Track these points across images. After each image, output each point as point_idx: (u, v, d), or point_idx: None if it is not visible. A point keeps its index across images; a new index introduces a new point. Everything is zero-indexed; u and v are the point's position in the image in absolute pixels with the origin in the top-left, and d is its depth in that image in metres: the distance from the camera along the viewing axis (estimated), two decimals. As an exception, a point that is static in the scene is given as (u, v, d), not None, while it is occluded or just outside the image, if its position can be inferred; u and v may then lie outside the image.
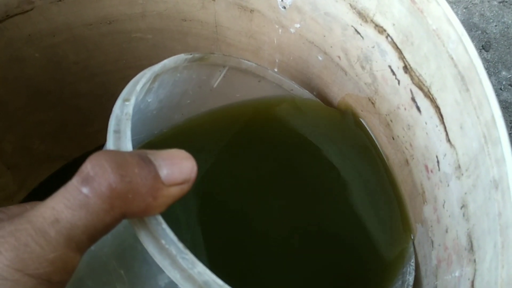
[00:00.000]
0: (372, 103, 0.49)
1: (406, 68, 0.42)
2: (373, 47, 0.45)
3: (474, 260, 0.34)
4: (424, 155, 0.43)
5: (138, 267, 0.31)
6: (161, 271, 0.27)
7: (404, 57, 0.41)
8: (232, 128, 0.50)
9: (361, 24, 0.44)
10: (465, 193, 0.36)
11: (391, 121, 0.47)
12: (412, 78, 0.41)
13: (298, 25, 0.51)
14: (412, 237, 0.48)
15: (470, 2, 0.99)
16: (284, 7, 0.50)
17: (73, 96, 0.62)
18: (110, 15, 0.55)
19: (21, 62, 0.54)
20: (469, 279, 0.34)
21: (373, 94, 0.48)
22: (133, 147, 0.31)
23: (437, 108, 0.39)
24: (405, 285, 0.45)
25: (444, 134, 0.39)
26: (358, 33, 0.45)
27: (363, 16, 0.44)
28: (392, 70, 0.44)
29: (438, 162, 0.41)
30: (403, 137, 0.46)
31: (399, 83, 0.43)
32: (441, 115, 0.39)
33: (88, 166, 0.25)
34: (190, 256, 0.27)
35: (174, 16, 0.56)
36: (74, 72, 0.59)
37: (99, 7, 0.54)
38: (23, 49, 0.53)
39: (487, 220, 0.33)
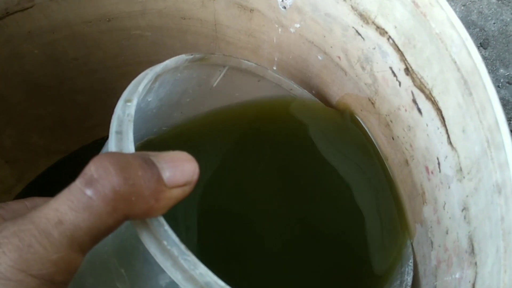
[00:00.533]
0: (372, 103, 0.49)
1: (408, 70, 0.42)
2: (374, 48, 0.45)
3: (475, 263, 0.34)
4: (424, 156, 0.43)
5: (139, 266, 0.31)
6: (162, 271, 0.27)
7: (405, 59, 0.41)
8: (232, 130, 0.50)
9: (362, 26, 0.44)
10: (467, 196, 0.36)
11: (391, 121, 0.47)
12: (413, 80, 0.41)
13: (298, 25, 0.51)
14: (411, 238, 0.48)
15: (469, -1, 0.99)
16: (284, 7, 0.50)
17: (72, 92, 0.62)
18: (109, 13, 0.55)
19: (20, 58, 0.54)
20: (470, 282, 0.35)
21: (373, 95, 0.48)
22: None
23: (438, 111, 0.39)
24: (403, 285, 0.45)
25: (445, 136, 0.39)
26: (359, 34, 0.45)
27: (364, 18, 0.44)
28: (393, 72, 0.44)
29: (439, 164, 0.41)
30: (403, 137, 0.46)
31: (400, 84, 0.43)
32: (443, 118, 0.39)
33: (92, 168, 0.26)
34: (192, 258, 0.27)
35: (173, 14, 0.56)
36: (73, 68, 0.59)
37: (99, 4, 0.53)
38: (23, 45, 0.53)
39: (489, 224, 0.33)
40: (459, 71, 0.35)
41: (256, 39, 0.56)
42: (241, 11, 0.53)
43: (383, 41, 0.43)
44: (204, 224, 0.43)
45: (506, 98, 0.89)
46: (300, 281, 0.44)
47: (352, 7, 0.44)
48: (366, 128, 0.53)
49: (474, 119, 0.34)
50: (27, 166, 0.66)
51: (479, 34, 0.94)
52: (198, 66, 0.44)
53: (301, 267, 0.45)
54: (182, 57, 0.41)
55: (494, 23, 0.96)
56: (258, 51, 0.58)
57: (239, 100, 0.51)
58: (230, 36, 0.58)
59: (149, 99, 0.42)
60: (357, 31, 0.45)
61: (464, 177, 0.37)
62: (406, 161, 0.47)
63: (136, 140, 0.41)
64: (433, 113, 0.40)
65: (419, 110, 0.42)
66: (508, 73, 0.91)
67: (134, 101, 0.34)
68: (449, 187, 0.39)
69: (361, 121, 0.53)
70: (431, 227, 0.43)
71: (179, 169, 0.28)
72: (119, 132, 0.31)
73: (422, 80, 0.40)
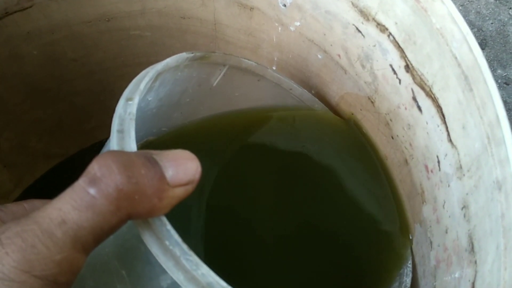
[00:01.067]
0: (372, 102, 0.49)
1: (408, 67, 0.41)
2: (374, 45, 0.44)
3: (475, 262, 0.34)
4: (424, 155, 0.43)
5: (141, 267, 0.31)
6: (163, 272, 0.27)
7: (406, 56, 0.41)
8: (232, 133, 0.50)
9: (362, 23, 0.44)
10: (467, 194, 0.36)
11: (390, 120, 0.47)
12: (413, 78, 0.41)
13: (298, 23, 0.51)
14: (410, 238, 0.48)
15: None
16: (285, 5, 0.50)
17: (71, 94, 0.62)
18: (109, 12, 0.55)
19: (19, 59, 0.53)
20: (469, 281, 0.34)
21: (373, 93, 0.48)
22: None
23: (438, 108, 0.39)
24: (402, 287, 0.45)
25: (445, 134, 0.38)
26: (359, 31, 0.45)
27: (364, 14, 0.43)
28: (393, 69, 0.44)
29: (438, 162, 0.40)
30: (403, 136, 0.46)
31: (400, 82, 0.43)
32: (443, 115, 0.38)
33: (95, 167, 0.25)
34: (194, 258, 0.27)
35: (173, 13, 0.56)
36: (72, 69, 0.59)
37: (98, 4, 0.53)
38: (22, 46, 0.53)
39: (489, 221, 0.33)
40: (460, 67, 0.35)
41: (255, 38, 0.56)
42: (241, 10, 0.53)
43: (383, 38, 0.43)
44: (203, 225, 0.42)
45: (504, 99, 0.88)
46: (301, 281, 0.44)
47: (352, 4, 0.44)
48: (366, 132, 0.52)
49: (474, 115, 0.34)
50: (25, 170, 0.66)
51: (476, 35, 0.94)
52: (198, 65, 0.44)
53: (301, 268, 0.45)
54: (183, 55, 0.41)
55: (491, 23, 0.96)
56: (257, 51, 0.58)
57: (239, 100, 0.51)
58: (230, 36, 0.58)
59: (149, 99, 0.42)
60: (357, 28, 0.45)
61: (464, 175, 0.36)
62: (406, 160, 0.46)
63: (135, 141, 0.41)
64: (433, 110, 0.40)
65: (419, 108, 0.42)
66: (505, 74, 0.90)
67: (136, 99, 0.34)
68: (448, 186, 0.39)
69: (362, 126, 0.53)
70: (430, 226, 0.43)
71: (182, 167, 0.28)
72: (120, 131, 0.31)
73: (422, 77, 0.40)
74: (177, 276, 0.27)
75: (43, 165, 0.68)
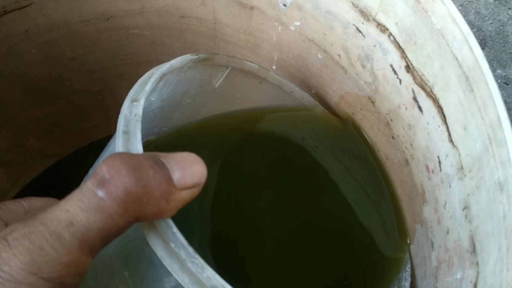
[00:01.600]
0: (372, 102, 0.49)
1: (409, 68, 0.41)
2: (375, 46, 0.44)
3: (477, 263, 0.34)
4: (425, 155, 0.43)
5: (144, 269, 0.30)
6: (167, 274, 0.27)
7: (406, 56, 0.41)
8: (232, 133, 0.50)
9: (363, 23, 0.44)
10: (468, 195, 0.36)
11: (391, 120, 0.47)
12: (414, 78, 0.41)
13: (298, 23, 0.51)
14: (409, 243, 0.48)
15: None
16: (285, 5, 0.50)
17: (69, 92, 0.62)
18: (108, 11, 0.54)
19: (17, 58, 0.53)
20: (471, 282, 0.34)
21: (373, 93, 0.48)
22: None
23: (439, 108, 0.39)
24: None
25: (446, 134, 0.38)
26: (360, 31, 0.45)
27: (365, 14, 0.43)
28: (393, 69, 0.43)
29: (439, 162, 0.40)
30: (403, 136, 0.46)
31: (400, 82, 0.43)
32: (444, 115, 0.38)
33: (104, 169, 0.25)
34: (200, 261, 0.27)
35: (172, 12, 0.56)
36: (71, 68, 0.59)
37: (97, 3, 0.53)
38: (20, 44, 0.52)
39: (491, 222, 0.32)
40: (461, 68, 0.35)
41: (255, 38, 0.56)
42: (241, 9, 0.53)
43: (383, 38, 0.43)
44: (204, 225, 0.42)
45: (503, 99, 0.88)
46: (303, 285, 0.44)
47: (353, 4, 0.44)
48: (366, 136, 0.52)
49: (475, 116, 0.34)
50: (22, 169, 0.66)
51: (476, 35, 0.93)
52: (201, 66, 0.45)
53: (303, 271, 0.44)
54: (188, 56, 0.41)
55: (491, 23, 0.96)
56: (257, 50, 0.58)
57: (240, 101, 0.51)
58: (230, 35, 0.57)
59: (152, 99, 0.42)
60: (357, 29, 0.45)
61: (465, 176, 0.36)
62: (406, 161, 0.46)
63: None
64: (434, 111, 0.40)
65: (420, 108, 0.42)
66: (505, 74, 0.90)
67: (142, 101, 0.34)
68: (450, 186, 0.39)
69: (362, 128, 0.53)
70: (431, 227, 0.43)
71: (189, 170, 0.28)
72: (126, 132, 0.31)
73: (423, 77, 0.40)
74: (182, 278, 0.27)
75: (40, 164, 0.68)
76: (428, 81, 0.39)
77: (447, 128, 0.38)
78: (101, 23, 0.55)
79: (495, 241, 0.32)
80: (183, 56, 0.41)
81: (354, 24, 0.45)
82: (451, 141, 0.38)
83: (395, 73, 0.43)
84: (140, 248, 0.30)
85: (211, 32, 0.58)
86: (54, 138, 0.66)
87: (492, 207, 0.32)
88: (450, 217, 0.39)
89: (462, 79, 0.35)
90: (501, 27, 0.96)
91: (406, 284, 0.46)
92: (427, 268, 0.44)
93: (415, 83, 0.41)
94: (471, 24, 0.95)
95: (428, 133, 0.41)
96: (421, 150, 0.43)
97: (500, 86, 0.89)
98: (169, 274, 0.27)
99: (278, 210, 0.47)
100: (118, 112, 0.33)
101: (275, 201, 0.47)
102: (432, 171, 0.42)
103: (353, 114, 0.53)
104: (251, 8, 0.52)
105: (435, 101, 0.39)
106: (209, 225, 0.42)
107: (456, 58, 0.35)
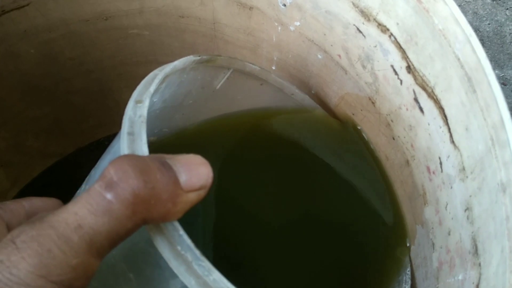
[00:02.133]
0: (373, 102, 0.48)
1: (410, 68, 0.41)
2: (375, 46, 0.44)
3: (479, 264, 0.34)
4: (426, 156, 0.43)
5: (150, 271, 0.30)
6: (173, 276, 0.27)
7: (407, 57, 0.41)
8: (232, 134, 0.50)
9: (363, 23, 0.44)
10: (470, 196, 0.36)
11: (392, 121, 0.47)
12: (415, 78, 0.41)
13: (298, 23, 0.50)
14: (408, 245, 0.48)
15: (464, 0, 0.99)
16: (284, 5, 0.49)
17: (68, 92, 0.62)
18: (107, 11, 0.54)
19: (16, 58, 0.53)
20: (473, 283, 0.34)
21: (373, 94, 0.48)
22: None
23: (441, 109, 0.39)
24: None
25: (448, 135, 0.38)
26: (360, 32, 0.45)
27: (365, 15, 0.43)
28: (394, 70, 0.43)
29: (441, 163, 0.40)
30: (404, 137, 0.46)
31: (401, 83, 0.43)
32: (445, 116, 0.38)
33: (111, 171, 0.25)
34: (206, 263, 0.27)
35: (171, 12, 0.56)
36: (70, 68, 0.59)
37: (96, 2, 0.53)
38: (19, 44, 0.52)
39: (493, 223, 0.32)
40: (463, 68, 0.35)
41: (255, 38, 0.56)
42: (240, 9, 0.53)
43: (384, 38, 0.43)
44: (206, 229, 0.42)
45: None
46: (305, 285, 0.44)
47: (353, 4, 0.43)
48: (367, 139, 0.52)
49: (478, 117, 0.34)
50: (22, 169, 0.66)
51: (475, 35, 0.94)
52: (204, 67, 0.45)
53: (303, 271, 0.45)
54: (191, 58, 0.41)
55: (489, 24, 0.96)
56: (257, 50, 0.57)
57: (241, 103, 0.51)
58: (229, 35, 0.57)
59: (154, 100, 0.42)
60: (358, 29, 0.45)
61: (467, 177, 0.36)
62: (407, 162, 0.46)
63: None
64: (435, 111, 0.39)
65: (421, 109, 0.41)
66: (503, 74, 0.90)
67: (146, 102, 0.34)
68: (451, 187, 0.39)
69: (362, 129, 0.53)
70: (432, 228, 0.43)
71: (195, 172, 0.28)
72: (131, 133, 0.31)
73: (424, 78, 0.40)
74: (188, 281, 0.27)
75: (40, 164, 0.68)
76: (430, 81, 0.39)
77: (449, 129, 0.38)
78: (100, 23, 0.55)
79: (498, 243, 0.31)
80: (186, 58, 0.41)
81: (354, 24, 0.45)
82: (452, 142, 0.38)
83: (396, 73, 0.43)
84: (146, 250, 0.30)
85: (210, 32, 0.58)
86: (54, 138, 0.66)
87: (495, 208, 0.32)
88: (452, 218, 0.39)
89: (464, 79, 0.35)
90: (498, 28, 0.96)
91: (407, 287, 0.46)
92: (428, 269, 0.44)
93: (416, 83, 0.41)
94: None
95: (429, 134, 0.41)
96: (422, 151, 0.43)
97: (498, 87, 0.89)
98: (175, 276, 0.27)
99: (278, 210, 0.47)
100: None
101: (275, 202, 0.47)
102: (433, 172, 0.42)
103: (353, 114, 0.53)
104: (251, 8, 0.52)
105: (437, 102, 0.39)
106: (210, 225, 0.43)
107: (458, 59, 0.35)
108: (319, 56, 0.52)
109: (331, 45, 0.49)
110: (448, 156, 0.39)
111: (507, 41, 0.94)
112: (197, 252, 0.27)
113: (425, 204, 0.44)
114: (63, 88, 0.61)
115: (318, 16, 0.48)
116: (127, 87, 0.63)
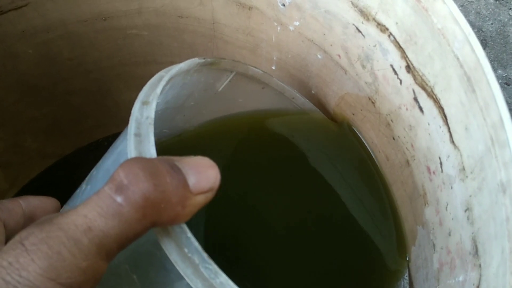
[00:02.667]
0: (372, 102, 0.48)
1: (409, 68, 0.41)
2: (375, 46, 0.44)
3: (480, 265, 0.34)
4: (426, 156, 0.42)
5: (154, 273, 0.30)
6: (179, 278, 0.27)
7: (407, 56, 0.41)
8: (233, 137, 0.51)
9: (362, 23, 0.44)
10: (470, 196, 0.36)
11: (391, 121, 0.46)
12: (415, 78, 0.41)
13: (297, 23, 0.50)
14: (408, 259, 0.48)
15: (466, 0, 0.99)
16: (284, 5, 0.49)
17: (67, 93, 0.62)
18: (105, 11, 0.54)
19: (14, 58, 0.53)
20: (474, 284, 0.34)
21: (373, 94, 0.47)
22: None
23: (440, 109, 0.38)
24: None
25: (448, 135, 0.38)
26: (359, 31, 0.45)
27: (365, 14, 0.43)
28: (394, 70, 0.43)
29: (441, 163, 0.40)
30: (404, 137, 0.45)
31: (401, 82, 0.43)
32: (445, 116, 0.38)
33: (121, 174, 0.25)
34: (213, 266, 0.27)
35: (170, 12, 0.56)
36: (68, 69, 0.59)
37: (95, 3, 0.53)
38: (17, 45, 0.52)
39: (493, 224, 0.32)
40: (462, 68, 0.35)
41: (254, 38, 0.56)
42: (240, 9, 0.53)
43: (384, 38, 0.42)
44: (207, 230, 0.42)
45: (504, 99, 0.88)
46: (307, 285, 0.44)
47: (352, 3, 0.43)
48: (364, 141, 0.53)
49: (477, 117, 0.34)
50: (20, 169, 0.66)
51: (476, 35, 0.93)
52: (207, 70, 0.45)
53: (304, 273, 0.44)
54: (195, 60, 0.41)
55: (491, 24, 0.96)
56: (256, 50, 0.57)
57: (242, 105, 0.52)
58: (228, 35, 0.57)
59: (157, 101, 0.42)
60: (357, 28, 0.45)
61: (467, 177, 0.36)
62: (407, 162, 0.46)
63: None
64: (435, 111, 0.39)
65: (421, 109, 0.41)
66: (506, 74, 0.90)
67: (153, 104, 0.34)
68: (451, 187, 0.39)
69: (359, 135, 0.53)
70: (433, 229, 0.43)
71: (203, 175, 0.28)
72: (138, 135, 0.31)
73: (423, 77, 0.40)
74: (195, 283, 0.27)
75: (38, 165, 0.68)
76: (429, 81, 0.39)
77: (449, 129, 0.38)
78: (99, 23, 0.55)
79: (498, 244, 0.31)
80: (190, 60, 0.41)
81: (353, 24, 0.45)
82: (452, 142, 0.38)
83: (396, 73, 0.43)
84: (151, 252, 0.30)
85: (209, 32, 0.58)
86: (52, 139, 0.66)
87: (495, 209, 0.32)
88: (452, 218, 0.39)
89: (463, 79, 0.35)
90: (501, 28, 0.95)
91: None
92: (428, 270, 0.44)
93: (416, 83, 0.41)
94: (471, 25, 0.94)
95: (429, 134, 0.41)
96: (422, 151, 0.43)
97: (501, 87, 0.89)
98: (180, 278, 0.27)
99: (279, 212, 0.47)
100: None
101: (276, 203, 0.47)
102: (434, 172, 0.41)
103: (353, 114, 0.53)
104: (250, 8, 0.52)
105: (436, 101, 0.39)
106: (212, 226, 0.43)
107: (457, 58, 0.35)
108: (319, 56, 0.52)
109: (331, 45, 0.49)
110: (448, 156, 0.38)
111: (510, 41, 0.94)
112: (205, 255, 0.27)
113: (425, 204, 0.44)
114: (62, 89, 0.61)
115: (318, 16, 0.48)
116: (126, 88, 0.63)
